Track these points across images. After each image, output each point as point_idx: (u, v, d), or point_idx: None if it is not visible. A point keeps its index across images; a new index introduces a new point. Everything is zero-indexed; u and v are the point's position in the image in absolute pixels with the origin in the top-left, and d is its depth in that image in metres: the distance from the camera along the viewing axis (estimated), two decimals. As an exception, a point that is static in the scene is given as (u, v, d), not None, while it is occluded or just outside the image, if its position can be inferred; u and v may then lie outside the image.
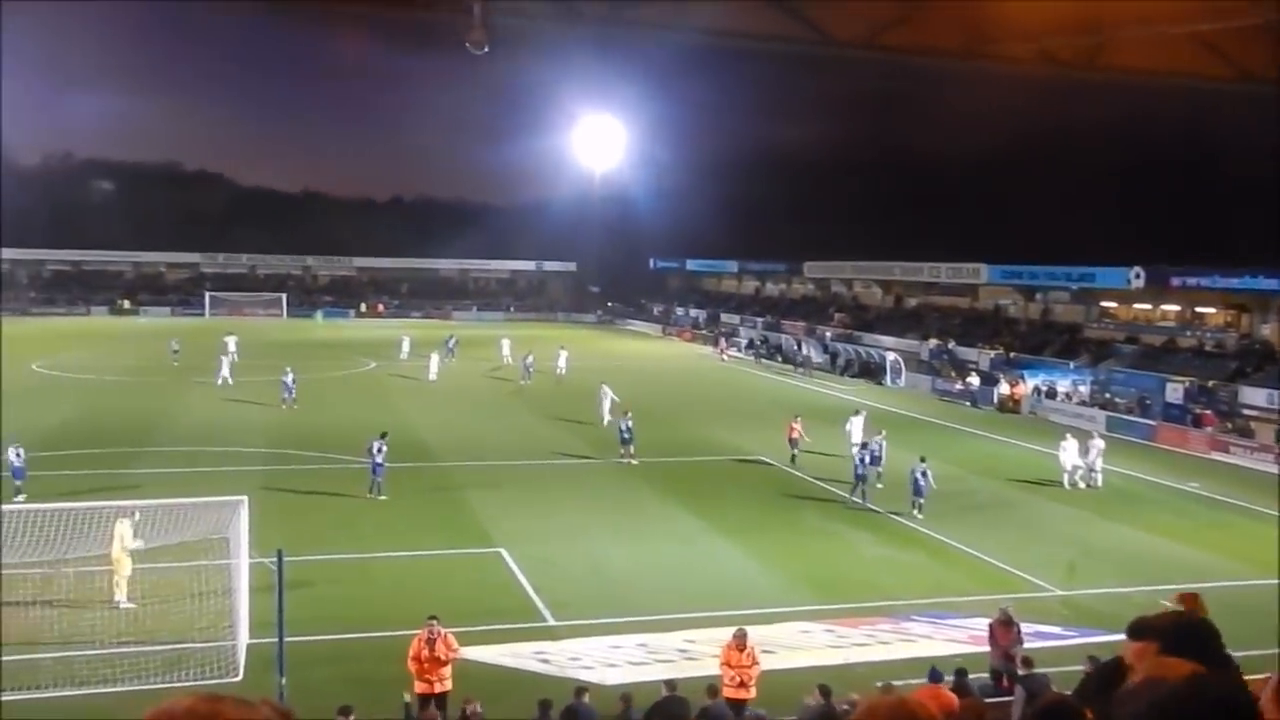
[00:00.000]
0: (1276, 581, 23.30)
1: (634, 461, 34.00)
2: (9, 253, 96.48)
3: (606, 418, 39.95)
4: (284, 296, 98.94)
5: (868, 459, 29.93)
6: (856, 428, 35.29)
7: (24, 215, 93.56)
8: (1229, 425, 41.27)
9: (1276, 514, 30.14)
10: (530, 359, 53.36)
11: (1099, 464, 32.88)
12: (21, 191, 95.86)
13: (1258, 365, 45.04)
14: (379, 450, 28.50)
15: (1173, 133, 60.93)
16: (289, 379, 43.39)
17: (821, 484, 31.88)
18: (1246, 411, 41.96)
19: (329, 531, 25.16)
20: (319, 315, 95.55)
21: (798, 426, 35.24)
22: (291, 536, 22.42)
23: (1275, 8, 10.24)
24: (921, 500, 28.03)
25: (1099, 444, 33.41)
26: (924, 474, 28.19)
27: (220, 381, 47.89)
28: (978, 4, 10.55)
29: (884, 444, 31.80)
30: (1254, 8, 10.36)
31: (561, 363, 55.35)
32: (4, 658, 16.47)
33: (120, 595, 19.20)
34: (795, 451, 34.77)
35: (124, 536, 19.19)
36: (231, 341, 58.56)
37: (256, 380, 47.32)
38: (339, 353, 65.55)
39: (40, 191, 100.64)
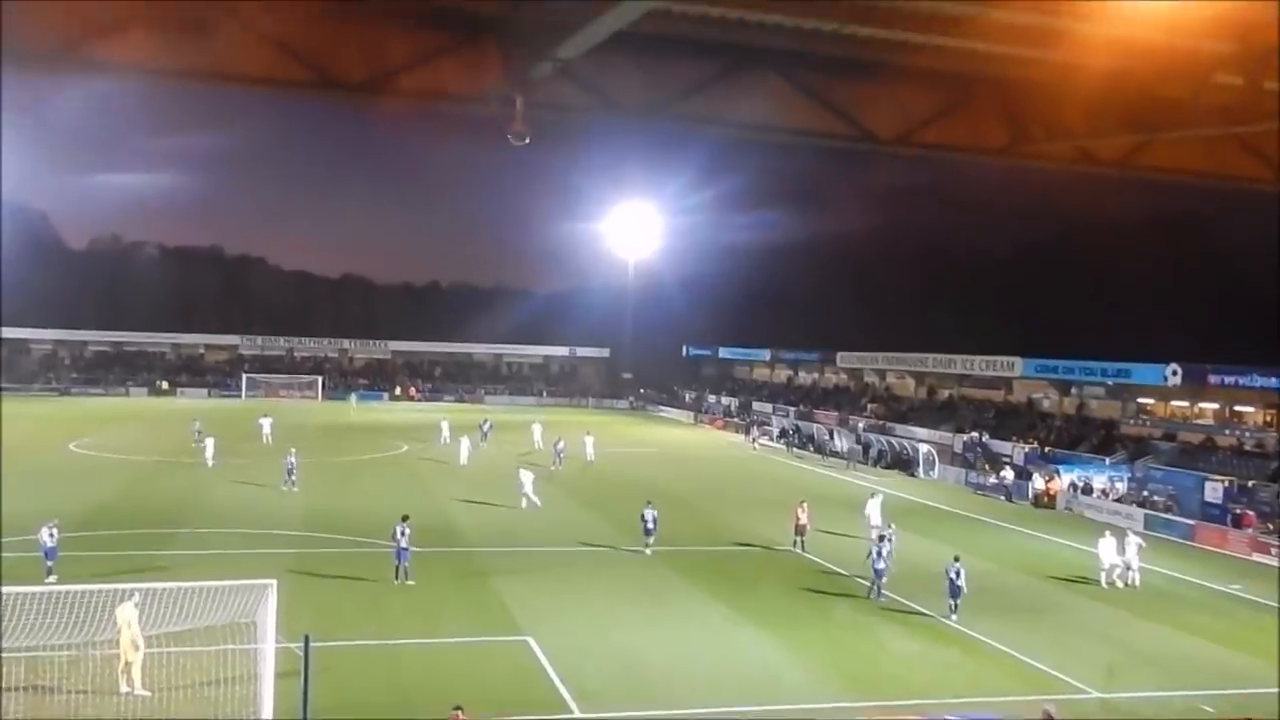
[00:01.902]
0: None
1: (648, 552, 33.46)
2: (54, 333, 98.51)
3: (526, 501, 40.18)
4: (320, 379, 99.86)
5: (885, 551, 29.41)
6: (874, 510, 36.17)
7: (69, 296, 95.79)
8: (1270, 526, 40.41)
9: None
10: (562, 444, 53.35)
11: (1137, 562, 32.24)
12: (69, 273, 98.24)
13: (1299, 465, 44.26)
14: (402, 534, 28.41)
15: (1211, 231, 60.97)
16: (291, 460, 43.54)
17: (854, 578, 31.38)
18: (1289, 512, 41.12)
19: (355, 616, 25.01)
20: (353, 398, 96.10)
21: (804, 513, 35.05)
22: (318, 620, 22.35)
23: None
24: (957, 601, 27.25)
25: (1137, 541, 32.84)
26: (958, 573, 27.42)
27: (210, 463, 48.16)
28: (1016, 102, 10.70)
29: (894, 536, 31.38)
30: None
31: (589, 449, 55.29)
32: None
33: (131, 683, 18.79)
34: (800, 538, 34.71)
35: (130, 622, 18.95)
36: (267, 424, 59.13)
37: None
38: (372, 436, 65.85)
39: (86, 273, 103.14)
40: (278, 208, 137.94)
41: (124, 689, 18.76)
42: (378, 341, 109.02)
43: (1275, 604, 30.93)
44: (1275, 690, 22.19)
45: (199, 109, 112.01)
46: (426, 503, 39.94)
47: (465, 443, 53.90)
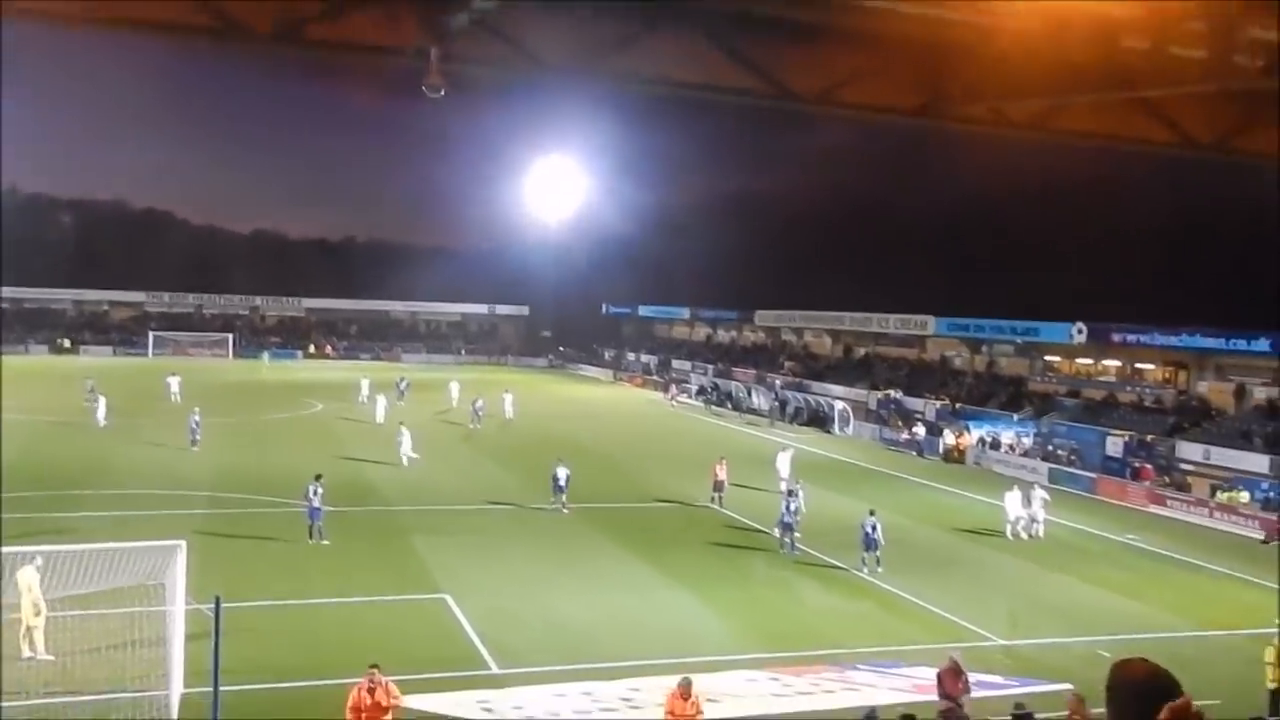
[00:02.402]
0: (1212, 634, 23.78)
1: (566, 511, 33.39)
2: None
3: (406, 459, 40.11)
4: (231, 337, 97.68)
5: (793, 506, 29.82)
6: (784, 464, 37.52)
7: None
8: (1166, 479, 42.02)
9: (1210, 567, 30.73)
10: (480, 403, 53.12)
11: (1042, 515, 33.29)
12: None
13: (1194, 421, 46.01)
14: (315, 493, 28.07)
15: (1116, 195, 62.47)
16: (195, 420, 42.74)
17: (771, 533, 31.85)
18: (1183, 466, 42.79)
19: (270, 577, 24.68)
20: (266, 356, 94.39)
21: (722, 469, 35.48)
22: (231, 582, 21.99)
23: (1215, 78, 10.57)
24: (876, 554, 27.65)
25: (1043, 495, 33.90)
26: (874, 527, 27.84)
27: (102, 424, 46.93)
28: (934, 64, 10.78)
29: (801, 492, 31.65)
30: (1197, 77, 10.69)
31: (508, 407, 55.16)
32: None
33: (34, 648, 18.31)
34: (718, 494, 35.20)
35: (30, 586, 18.43)
36: (175, 382, 57.74)
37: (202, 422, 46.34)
38: (286, 395, 64.75)
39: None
40: (185, 161, 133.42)
41: (26, 654, 18.27)
42: (291, 298, 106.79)
43: (1170, 554, 32.26)
44: (1168, 635, 23.20)
45: (102, 56, 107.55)
46: (342, 461, 39.47)
47: (382, 401, 53.29)
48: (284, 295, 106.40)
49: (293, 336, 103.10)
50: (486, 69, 10.74)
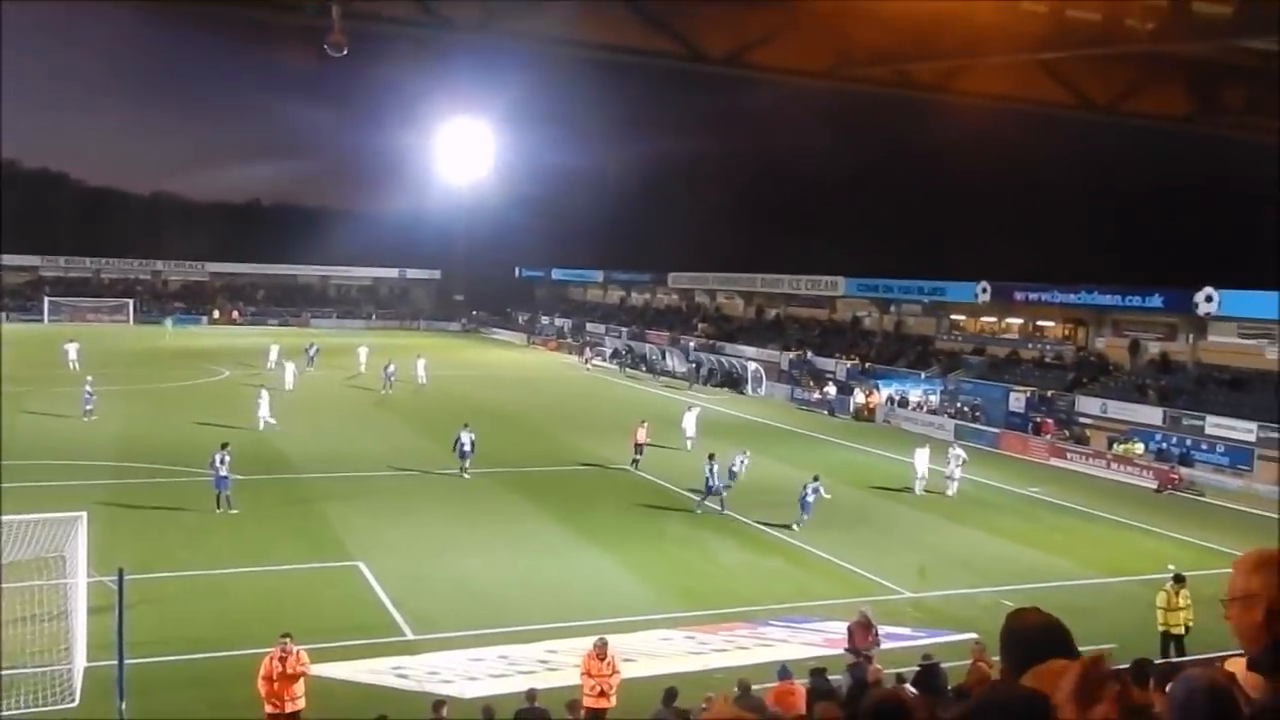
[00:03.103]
0: (1109, 580, 24.75)
1: (467, 476, 33.03)
2: None
3: (263, 423, 39.35)
4: (131, 303, 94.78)
5: (716, 469, 29.91)
6: (689, 422, 38.73)
7: None
8: (1066, 433, 43.40)
9: (1108, 517, 31.90)
10: (392, 368, 52.46)
11: (958, 474, 33.86)
12: None
13: (1093, 376, 47.51)
14: (222, 461, 27.50)
15: (1017, 156, 63.79)
16: (88, 389, 41.59)
17: (685, 493, 32.18)
18: (1082, 420, 44.22)
19: (177, 548, 24.18)
20: (169, 322, 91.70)
21: (644, 431, 35.82)
22: (136, 554, 21.54)
23: (1110, 41, 10.84)
24: (806, 518, 28.09)
25: (959, 454, 34.52)
26: (815, 491, 28.33)
27: None
28: (841, 27, 10.86)
29: (745, 462, 32.05)
30: (1092, 40, 10.94)
31: (421, 371, 54.59)
32: None
33: None
34: (638, 456, 35.47)
35: None
36: (73, 349, 55.91)
37: (101, 391, 44.96)
38: (190, 361, 63.14)
39: None
40: (79, 120, 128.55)
41: None
42: (194, 263, 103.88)
43: (1070, 505, 33.39)
44: (1068, 582, 24.06)
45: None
46: (251, 429, 38.70)
47: (290, 367, 52.31)
48: (187, 260, 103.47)
49: (197, 302, 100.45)
50: (394, 28, 10.53)
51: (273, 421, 39.68)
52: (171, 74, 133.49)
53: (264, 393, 40.74)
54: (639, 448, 35.75)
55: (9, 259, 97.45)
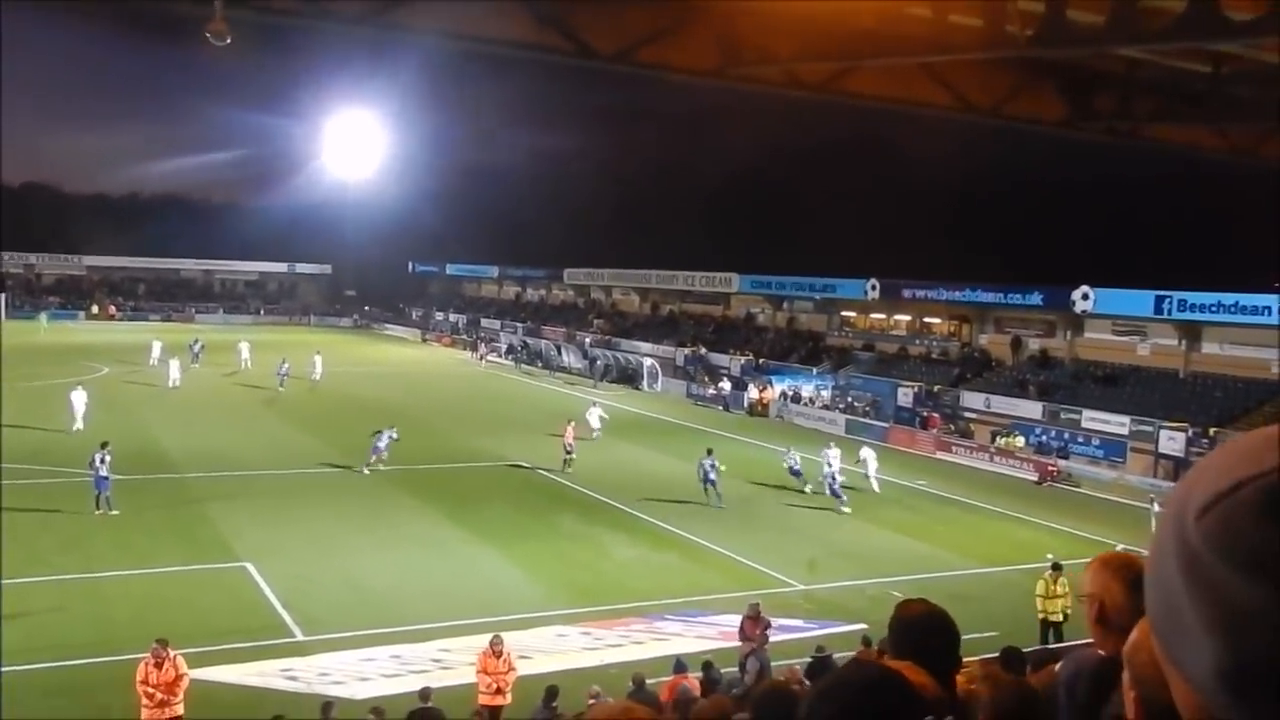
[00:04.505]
0: (992, 570, 25.57)
1: (367, 470, 32.85)
2: None
3: (77, 425, 36.98)
4: (2, 297, 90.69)
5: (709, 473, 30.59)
6: (594, 418, 39.32)
7: None
8: (952, 427, 44.66)
9: (991, 508, 32.94)
10: (285, 366, 51.20)
11: (874, 470, 34.17)
12: None
13: (977, 371, 48.97)
14: (102, 461, 26.56)
15: (904, 156, 65.41)
16: None
17: (578, 488, 32.22)
18: (967, 414, 45.55)
19: (52, 552, 23.28)
20: (43, 317, 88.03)
21: (571, 431, 35.47)
22: (9, 558, 20.64)
23: (989, 46, 11.20)
24: (717, 489, 30.16)
25: (870, 454, 34.69)
26: (712, 466, 30.39)
27: None
28: (729, 26, 10.99)
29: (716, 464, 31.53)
30: (973, 45, 11.29)
31: (317, 369, 53.50)
32: None
33: None
34: (568, 456, 34.66)
35: None
36: (-61, 345, 53.34)
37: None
38: (67, 357, 60.69)
39: None
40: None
41: None
42: (70, 256, 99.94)
43: (955, 497, 34.37)
44: (953, 573, 24.76)
45: None
46: (132, 428, 37.44)
47: (175, 364, 50.77)
48: (62, 253, 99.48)
49: (73, 296, 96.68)
50: (274, 19, 10.30)
51: (81, 427, 36.61)
52: (44, 63, 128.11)
53: (79, 390, 38.25)
54: (569, 448, 34.87)
55: None
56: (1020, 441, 41.19)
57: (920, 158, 63.26)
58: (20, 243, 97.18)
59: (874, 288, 54.24)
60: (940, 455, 42.21)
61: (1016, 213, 65.07)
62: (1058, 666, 3.14)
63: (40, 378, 51.67)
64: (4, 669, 14.37)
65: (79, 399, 37.44)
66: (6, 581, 14.93)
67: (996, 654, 10.55)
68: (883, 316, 58.33)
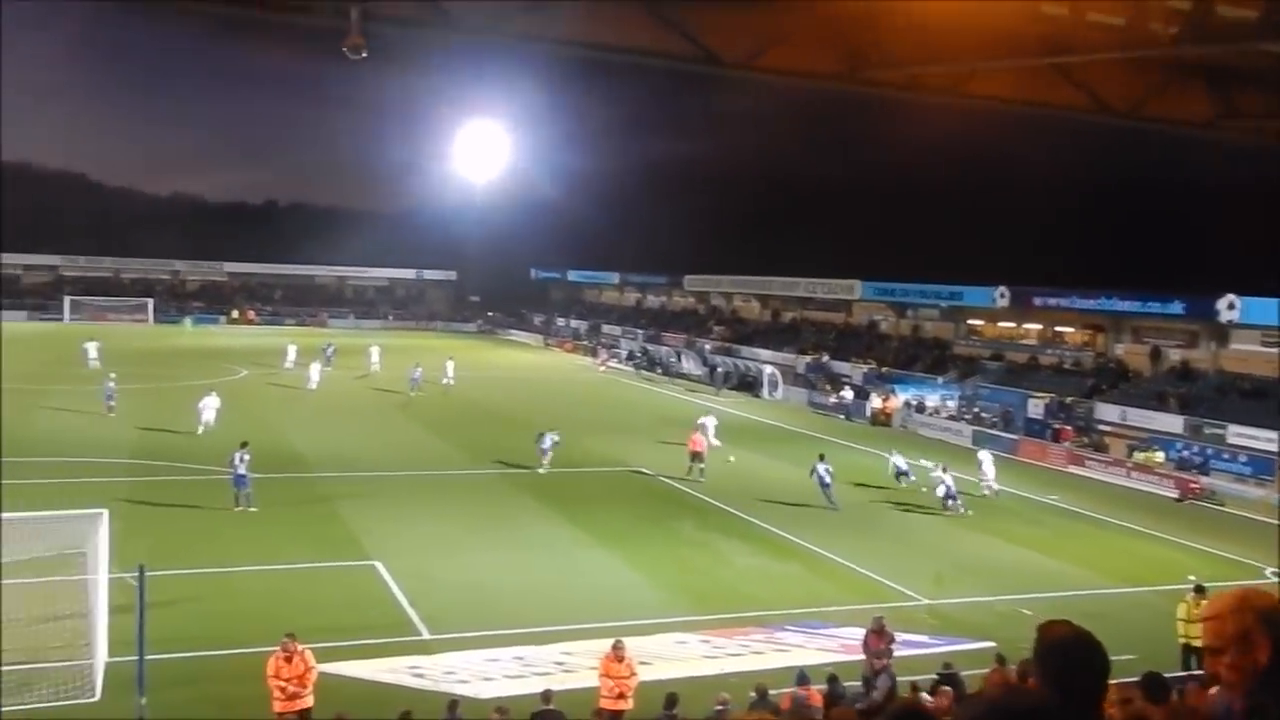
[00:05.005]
0: (1128, 590, 24.57)
1: (542, 470, 34.29)
2: None
3: (203, 428, 37.89)
4: (150, 302, 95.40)
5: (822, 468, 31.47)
6: (708, 428, 37.95)
7: None
8: (1085, 440, 43.15)
9: (1126, 525, 31.69)
10: (419, 371, 52.51)
11: (991, 476, 34.51)
12: None
13: (1112, 383, 47.21)
14: (241, 460, 27.67)
15: (1038, 159, 63.50)
16: (110, 386, 42.04)
17: (698, 495, 32.18)
18: (1101, 427, 43.93)
19: (194, 546, 24.31)
20: (188, 322, 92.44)
21: (699, 439, 35.30)
22: (153, 551, 21.63)
23: (1131, 45, 10.78)
24: (830, 492, 30.84)
25: (987, 457, 35.43)
26: (828, 471, 31.11)
27: None
28: (853, 30, 10.83)
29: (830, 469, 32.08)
30: (1114, 44, 10.89)
31: (449, 374, 54.76)
32: None
33: None
34: (699, 465, 34.26)
35: None
36: (93, 348, 56.35)
37: (121, 389, 45.24)
38: (209, 360, 63.46)
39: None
40: (99, 123, 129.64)
41: None
42: (212, 263, 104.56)
43: (1089, 513, 33.20)
44: (1086, 591, 23.90)
45: (10, 17, 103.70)
46: (269, 428, 38.87)
47: (315, 367, 52.66)
48: (205, 259, 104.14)
49: (215, 301, 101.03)
50: (406, 30, 10.56)
51: (212, 424, 38.02)
52: (188, 75, 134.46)
53: (211, 394, 39.45)
54: (697, 455, 34.55)
55: (30, 259, 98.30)
56: (1160, 456, 39.51)
57: (1052, 160, 61.38)
58: (167, 250, 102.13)
59: (1003, 295, 52.84)
60: (1072, 469, 40.84)
61: (1155, 218, 62.51)
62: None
63: (181, 379, 54.07)
64: (148, 658, 14.99)
65: (210, 403, 38.66)
66: (150, 573, 15.59)
67: (1135, 679, 10.09)
68: (1012, 325, 56.76)
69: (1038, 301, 51.67)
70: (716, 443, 37.86)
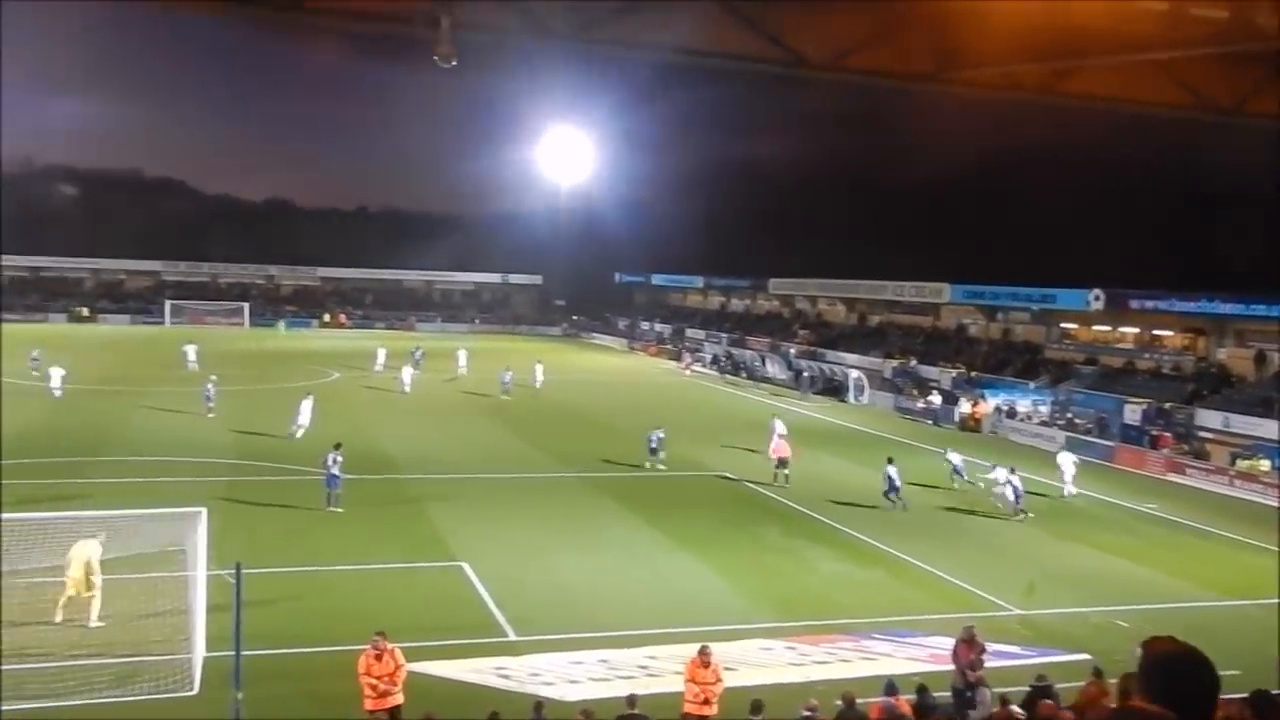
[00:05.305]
0: (1230, 603, 23.72)
1: (661, 468, 35.68)
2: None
3: (301, 428, 38.37)
4: (246, 306, 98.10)
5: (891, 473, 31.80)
6: (777, 429, 37.92)
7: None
8: (1185, 447, 41.81)
9: (1228, 536, 30.61)
10: (509, 374, 53.11)
11: (1070, 476, 34.84)
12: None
13: (1213, 388, 45.70)
14: (334, 462, 28.25)
15: (1134, 159, 61.84)
16: (210, 388, 43.29)
17: (782, 500, 31.96)
18: (1202, 434, 42.52)
19: (287, 544, 24.88)
20: (282, 325, 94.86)
21: (783, 445, 35.08)
22: (248, 549, 22.18)
23: (1235, 40, 10.42)
24: (898, 495, 31.10)
25: (1068, 458, 35.66)
26: (895, 474, 31.32)
27: (57, 394, 45.44)
28: (946, 28, 10.64)
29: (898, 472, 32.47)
30: (1216, 38, 10.54)
31: (538, 377, 55.29)
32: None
33: (64, 615, 18.64)
34: (783, 471, 34.04)
35: (90, 559, 18.66)
36: (192, 350, 58.10)
37: (219, 390, 46.53)
38: (302, 363, 65.01)
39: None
40: (198, 132, 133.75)
41: (59, 619, 18.49)
42: (306, 267, 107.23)
43: (1189, 522, 32.16)
44: (1186, 604, 23.14)
45: (115, 28, 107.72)
46: (361, 430, 39.62)
47: (408, 370, 53.68)
48: (299, 264, 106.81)
49: (308, 305, 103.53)
50: (493, 36, 10.65)
51: (306, 425, 38.61)
52: (282, 85, 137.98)
53: (308, 397, 40.15)
54: (782, 461, 34.36)
55: (134, 264, 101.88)
56: (1265, 464, 38.10)
57: (1147, 159, 59.70)
58: (262, 255, 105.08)
59: (1097, 298, 51.51)
60: (1171, 477, 39.62)
61: (1259, 217, 60.38)
62: None
63: (275, 381, 55.42)
64: (245, 653, 15.36)
65: (306, 407, 39.23)
66: (246, 571, 15.98)
67: (1240, 696, 9.73)
68: (1107, 328, 55.36)
69: (1135, 304, 50.26)
70: (781, 431, 37.99)
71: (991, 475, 32.35)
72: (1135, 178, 66.94)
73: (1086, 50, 10.82)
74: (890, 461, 32.21)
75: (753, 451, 37.80)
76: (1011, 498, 31.07)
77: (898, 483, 31.33)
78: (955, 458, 35.25)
